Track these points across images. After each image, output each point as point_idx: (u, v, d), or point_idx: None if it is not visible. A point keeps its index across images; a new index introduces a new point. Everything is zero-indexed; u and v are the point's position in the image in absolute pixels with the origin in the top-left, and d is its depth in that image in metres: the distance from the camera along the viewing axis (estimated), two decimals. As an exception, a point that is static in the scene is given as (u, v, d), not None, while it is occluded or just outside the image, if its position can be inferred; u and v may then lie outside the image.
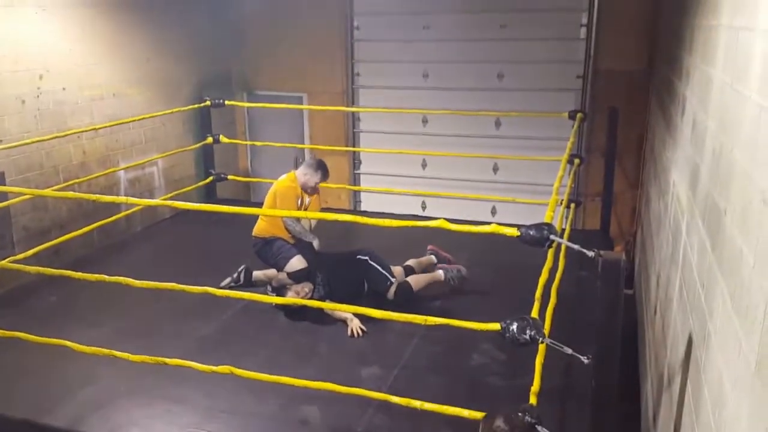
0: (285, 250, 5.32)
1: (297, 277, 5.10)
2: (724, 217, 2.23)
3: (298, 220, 5.35)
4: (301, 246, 5.36)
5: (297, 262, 5.24)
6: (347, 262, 5.24)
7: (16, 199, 5.37)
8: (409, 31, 7.90)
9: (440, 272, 5.29)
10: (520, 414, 2.53)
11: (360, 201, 8.72)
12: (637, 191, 7.30)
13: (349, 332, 4.68)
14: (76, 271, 3.97)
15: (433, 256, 5.67)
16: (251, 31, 8.35)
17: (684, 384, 2.76)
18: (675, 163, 4.06)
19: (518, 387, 3.52)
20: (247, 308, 5.01)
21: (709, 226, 2.56)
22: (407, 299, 5.03)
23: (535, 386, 3.18)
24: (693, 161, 3.21)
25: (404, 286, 5.12)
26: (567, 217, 6.29)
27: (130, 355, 3.78)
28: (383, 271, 5.15)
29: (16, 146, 5.43)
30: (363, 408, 3.75)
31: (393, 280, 5.13)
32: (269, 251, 5.37)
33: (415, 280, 5.22)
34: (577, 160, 6.22)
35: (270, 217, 5.34)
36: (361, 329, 4.68)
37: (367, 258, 5.21)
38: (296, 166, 5.54)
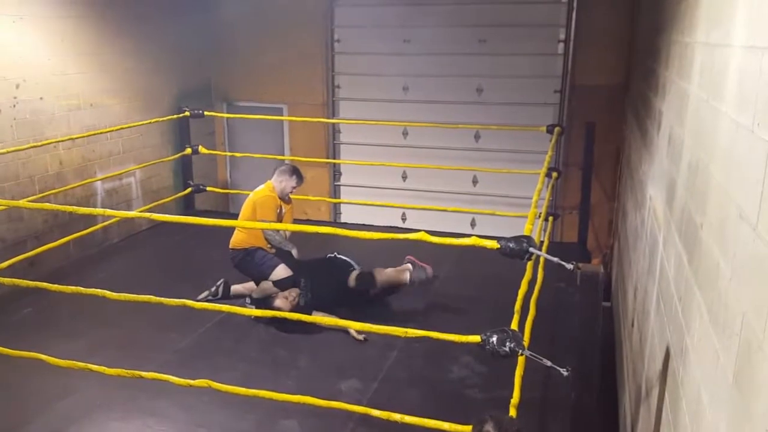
0: (268, 260, 5.29)
1: (283, 285, 5.08)
2: (701, 231, 2.26)
3: (277, 230, 5.33)
4: (281, 255, 5.34)
5: (282, 271, 5.21)
6: (323, 265, 5.29)
7: (-9, 210, 5.29)
8: (390, 44, 7.95)
9: (407, 273, 5.20)
10: (507, 418, 2.53)
11: (340, 213, 8.71)
12: (614, 204, 7.38)
13: (356, 336, 4.71)
14: (52, 282, 3.91)
15: (409, 265, 5.68)
16: (232, 42, 8.34)
17: (662, 396, 2.78)
18: (651, 177, 4.12)
19: (498, 399, 3.53)
20: (225, 321, 4.97)
21: (685, 239, 2.59)
22: (368, 287, 5.08)
23: (515, 398, 3.19)
24: (669, 175, 3.26)
25: (365, 274, 5.15)
26: (545, 230, 6.34)
27: (105, 368, 3.72)
28: (348, 260, 5.25)
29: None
30: (343, 422, 3.73)
31: (357, 267, 5.19)
32: (251, 262, 5.33)
33: (379, 272, 5.21)
34: (555, 174, 6.28)
35: (249, 228, 5.31)
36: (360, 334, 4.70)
37: (335, 254, 5.33)
38: None
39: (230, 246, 5.40)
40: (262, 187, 5.47)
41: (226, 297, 5.34)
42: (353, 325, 3.52)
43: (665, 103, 3.78)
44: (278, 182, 5.37)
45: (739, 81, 1.94)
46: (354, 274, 5.13)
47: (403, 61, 7.94)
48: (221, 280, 5.39)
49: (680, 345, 2.45)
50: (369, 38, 8.06)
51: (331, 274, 5.20)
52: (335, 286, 5.12)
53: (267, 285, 5.17)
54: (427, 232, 3.16)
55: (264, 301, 4.94)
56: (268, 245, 5.35)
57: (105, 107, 6.89)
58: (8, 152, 5.54)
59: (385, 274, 5.20)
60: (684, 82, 3.09)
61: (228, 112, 8.43)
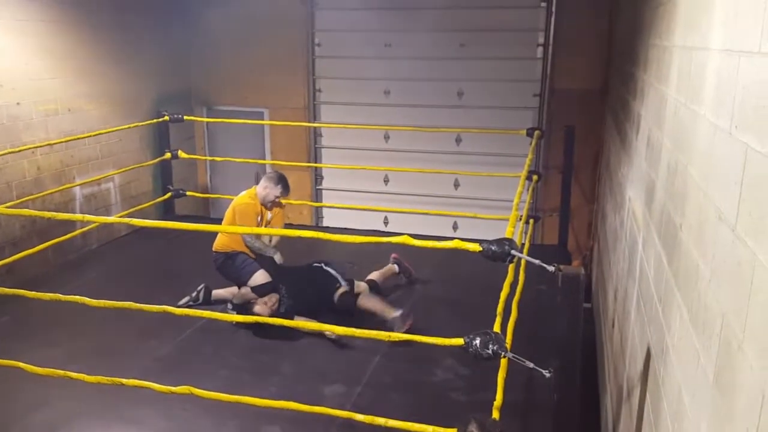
0: (248, 265, 5.26)
1: (261, 291, 5.05)
2: (680, 233, 2.29)
3: (258, 236, 5.30)
4: (262, 261, 5.31)
5: (261, 277, 5.18)
6: (307, 273, 5.26)
7: (-34, 216, 5.21)
8: (371, 48, 7.96)
9: (393, 312, 4.96)
10: (490, 420, 2.54)
11: (322, 217, 8.70)
12: (594, 206, 7.45)
13: (329, 336, 4.66)
14: (30, 290, 3.86)
15: (396, 266, 5.69)
16: (212, 46, 8.30)
17: (643, 396, 2.81)
18: (630, 180, 4.16)
19: (482, 402, 3.53)
20: (206, 327, 4.93)
21: (665, 241, 2.62)
22: (347, 311, 5.02)
23: (498, 401, 3.19)
24: (648, 178, 3.29)
25: (348, 299, 5.09)
26: (526, 233, 6.38)
27: (85, 375, 3.67)
28: (335, 274, 5.21)
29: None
30: (326, 426, 3.71)
31: (343, 284, 5.16)
32: (231, 266, 5.31)
33: (364, 300, 5.11)
34: (535, 177, 6.33)
35: (230, 233, 5.28)
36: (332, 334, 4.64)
37: (321, 264, 5.28)
38: (257, 182, 5.48)
39: (213, 249, 5.37)
40: (243, 193, 5.44)
41: (207, 302, 5.29)
42: (336, 330, 3.51)
43: (644, 107, 3.82)
44: (262, 188, 5.34)
45: (716, 84, 1.96)
46: (339, 292, 5.12)
47: (385, 65, 7.94)
48: (202, 286, 5.35)
49: (661, 345, 2.48)
50: (350, 42, 8.06)
51: (315, 285, 5.17)
52: (317, 298, 5.10)
53: (247, 290, 5.14)
54: (410, 235, 3.17)
55: (244, 307, 4.91)
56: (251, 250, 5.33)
57: (83, 112, 6.81)
58: (-16, 158, 5.46)
59: (370, 303, 5.09)
60: (662, 85, 3.13)
61: (208, 117, 8.38)
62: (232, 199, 5.50)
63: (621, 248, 4.39)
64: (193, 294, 5.31)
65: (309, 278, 5.21)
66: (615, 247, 4.83)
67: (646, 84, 3.82)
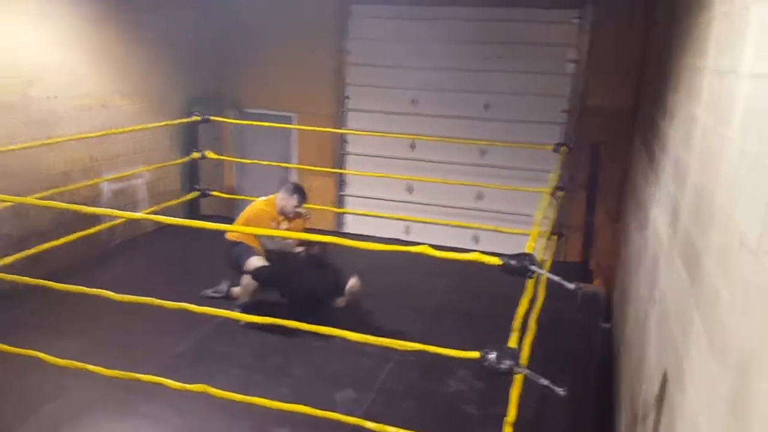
0: (246, 251, 5.28)
1: (258, 274, 5.11)
2: (703, 256, 2.26)
3: (271, 238, 5.32)
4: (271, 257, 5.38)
5: (257, 261, 5.21)
6: (311, 268, 5.32)
7: (-3, 206, 5.31)
8: (400, 58, 7.98)
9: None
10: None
11: (344, 223, 8.72)
12: (618, 225, 7.37)
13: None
14: (55, 281, 3.92)
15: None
16: (245, 49, 8.39)
17: (658, 420, 2.77)
18: (656, 200, 4.11)
19: (494, 416, 3.51)
20: (223, 326, 4.98)
21: (687, 264, 2.58)
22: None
23: (511, 416, 3.17)
24: (674, 199, 3.25)
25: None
26: (548, 249, 6.33)
27: (102, 368, 3.72)
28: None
29: (1, 152, 5.39)
30: (336, 432, 3.72)
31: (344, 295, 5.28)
32: (233, 253, 5.35)
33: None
34: (560, 193, 6.28)
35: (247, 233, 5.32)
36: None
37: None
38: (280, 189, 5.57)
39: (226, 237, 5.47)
40: (263, 199, 5.49)
41: (229, 298, 5.39)
42: (349, 336, 3.51)
43: (673, 127, 3.78)
44: (280, 200, 5.42)
45: (745, 108, 1.94)
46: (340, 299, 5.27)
47: (413, 75, 7.97)
48: (228, 280, 5.44)
49: (678, 369, 2.44)
50: (380, 51, 8.09)
51: (316, 277, 5.24)
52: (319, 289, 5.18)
53: (248, 280, 5.16)
54: (430, 245, 3.16)
55: (250, 306, 4.98)
56: (260, 245, 5.33)
57: (116, 108, 6.93)
58: (18, 149, 5.57)
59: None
60: (692, 106, 3.10)
61: (238, 119, 8.46)
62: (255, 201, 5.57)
63: (643, 269, 4.34)
64: (221, 286, 5.46)
65: (312, 270, 5.25)
66: (637, 268, 4.77)
67: (676, 104, 3.79)
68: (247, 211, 5.38)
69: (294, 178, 8.23)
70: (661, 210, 3.75)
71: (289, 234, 5.08)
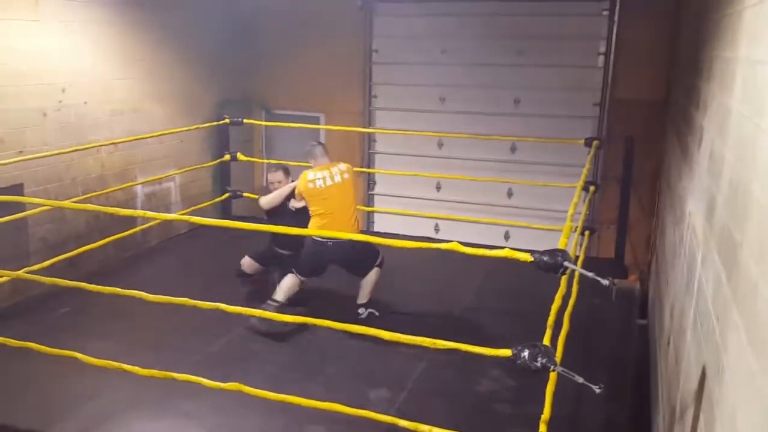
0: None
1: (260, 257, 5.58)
2: (740, 250, 2.21)
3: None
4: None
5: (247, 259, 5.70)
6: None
7: (34, 210, 5.43)
8: (427, 55, 7.96)
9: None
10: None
11: (373, 221, 8.73)
12: (652, 220, 7.25)
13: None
14: (91, 283, 4.00)
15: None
16: (272, 51, 8.44)
17: (696, 417, 2.72)
18: (691, 194, 4.04)
19: (529, 415, 3.49)
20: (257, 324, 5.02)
21: (724, 258, 2.53)
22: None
23: (546, 414, 3.14)
24: (709, 192, 3.19)
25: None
26: (581, 245, 6.25)
27: (139, 368, 3.78)
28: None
29: (36, 158, 5.51)
30: (370, 430, 3.72)
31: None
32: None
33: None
34: (592, 188, 6.21)
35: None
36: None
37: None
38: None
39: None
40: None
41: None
42: (382, 335, 3.51)
43: (706, 119, 3.71)
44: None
45: (782, 97, 1.89)
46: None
47: (440, 72, 7.94)
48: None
49: (716, 365, 2.40)
50: (407, 48, 8.08)
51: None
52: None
53: (286, 283, 5.19)
54: (460, 243, 3.15)
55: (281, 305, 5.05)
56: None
57: (147, 113, 7.03)
58: (52, 155, 5.69)
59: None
60: (726, 97, 3.04)
61: (266, 120, 8.53)
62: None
63: (679, 264, 4.26)
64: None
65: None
66: (673, 263, 4.69)
67: (709, 96, 3.71)
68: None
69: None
70: (697, 203, 3.69)
71: (297, 231, 5.10)
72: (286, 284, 5.14)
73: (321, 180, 5.14)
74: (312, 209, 5.17)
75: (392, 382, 4.36)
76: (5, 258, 5.42)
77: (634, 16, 7.05)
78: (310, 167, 5.30)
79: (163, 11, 7.05)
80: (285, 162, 7.88)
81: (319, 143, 5.52)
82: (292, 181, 5.56)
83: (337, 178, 5.19)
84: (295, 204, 5.42)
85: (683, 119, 5.17)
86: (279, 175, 5.62)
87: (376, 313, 5.25)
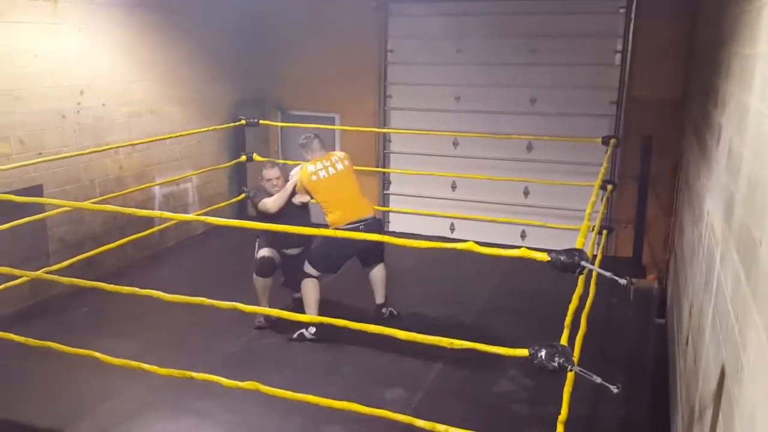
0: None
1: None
2: (760, 248, 2.19)
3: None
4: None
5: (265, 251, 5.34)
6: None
7: (53, 211, 5.49)
8: (442, 54, 7.95)
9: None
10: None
11: (389, 221, 8.73)
12: (671, 219, 7.19)
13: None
14: (109, 283, 4.03)
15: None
16: (287, 52, 8.47)
17: (716, 417, 2.70)
18: (709, 192, 4.00)
19: (546, 415, 3.47)
20: (273, 324, 5.04)
21: (743, 256, 2.51)
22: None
23: (563, 414, 3.12)
24: (728, 190, 3.16)
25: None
26: (599, 244, 6.21)
27: (157, 367, 3.80)
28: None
29: (55, 159, 5.58)
30: (386, 430, 3.73)
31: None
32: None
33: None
34: (609, 186, 6.16)
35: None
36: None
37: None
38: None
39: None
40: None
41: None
42: (398, 334, 3.50)
43: (725, 116, 3.67)
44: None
45: (802, 93, 1.87)
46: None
47: (455, 71, 7.92)
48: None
49: (736, 364, 2.37)
50: (422, 48, 8.07)
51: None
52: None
53: (309, 293, 5.13)
54: (476, 242, 3.14)
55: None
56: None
57: (165, 114, 7.09)
58: (71, 156, 5.75)
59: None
60: (744, 95, 3.00)
61: (282, 121, 8.56)
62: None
63: (698, 263, 4.22)
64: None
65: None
66: (692, 262, 4.65)
67: (727, 93, 3.67)
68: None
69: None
70: (716, 201, 3.65)
71: (324, 232, 5.08)
72: (310, 293, 5.05)
73: (324, 170, 5.14)
74: (323, 203, 5.14)
75: (409, 382, 4.36)
76: (25, 258, 5.49)
77: (651, 14, 6.99)
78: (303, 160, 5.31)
79: (179, 13, 7.10)
80: (302, 162, 7.94)
81: (315, 135, 5.43)
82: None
83: (339, 166, 5.21)
84: (300, 199, 5.25)
85: (701, 117, 5.12)
86: (276, 171, 5.36)
87: (395, 312, 5.26)
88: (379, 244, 5.13)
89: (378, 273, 5.31)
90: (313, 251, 5.14)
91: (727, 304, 2.77)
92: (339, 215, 5.03)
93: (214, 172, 7.77)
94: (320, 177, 5.11)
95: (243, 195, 7.81)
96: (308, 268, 5.10)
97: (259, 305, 5.17)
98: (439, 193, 8.17)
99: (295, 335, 5.00)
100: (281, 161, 8.66)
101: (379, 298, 5.35)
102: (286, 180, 5.32)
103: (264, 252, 5.29)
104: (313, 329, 4.99)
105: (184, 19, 7.17)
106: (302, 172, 5.18)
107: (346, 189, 5.16)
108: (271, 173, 5.30)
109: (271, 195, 5.24)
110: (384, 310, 5.30)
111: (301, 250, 5.31)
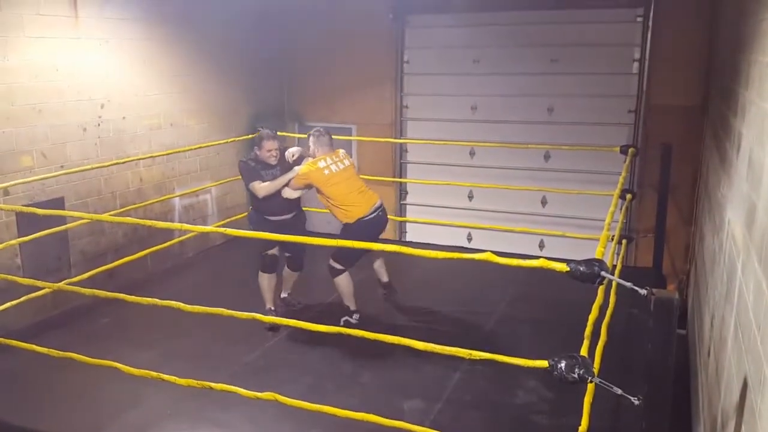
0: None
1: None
2: (782, 258, 2.16)
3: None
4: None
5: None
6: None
7: (75, 223, 5.56)
8: (459, 65, 7.96)
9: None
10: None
11: (406, 231, 8.73)
12: (691, 228, 7.12)
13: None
14: (129, 294, 4.08)
15: None
16: (304, 63, 8.53)
17: (738, 429, 2.66)
18: (730, 201, 3.96)
19: (566, 427, 3.45)
20: (292, 334, 5.05)
21: (765, 265, 2.48)
22: None
23: (583, 426, 3.10)
24: (749, 199, 3.13)
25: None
26: (618, 254, 6.17)
27: (177, 378, 3.83)
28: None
29: (76, 172, 5.66)
30: (405, 441, 3.71)
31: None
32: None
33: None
34: (629, 196, 6.12)
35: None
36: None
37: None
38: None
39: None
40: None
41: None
42: (417, 345, 3.50)
43: (745, 124, 3.64)
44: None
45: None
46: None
47: (472, 82, 7.93)
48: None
49: (758, 376, 2.34)
50: (438, 59, 8.09)
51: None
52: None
53: (344, 287, 5.30)
54: (494, 252, 3.13)
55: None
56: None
57: (184, 127, 7.16)
58: (92, 168, 5.83)
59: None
60: (764, 102, 2.98)
61: (300, 132, 8.61)
62: (319, 213, 5.68)
63: (719, 272, 4.18)
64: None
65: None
66: (713, 271, 4.60)
67: (747, 101, 3.64)
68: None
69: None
70: (736, 210, 3.61)
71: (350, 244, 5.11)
72: (345, 286, 5.31)
73: (334, 165, 5.30)
74: (334, 198, 5.23)
75: (427, 393, 4.34)
76: (47, 270, 5.57)
77: (669, 22, 6.96)
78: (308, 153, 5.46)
79: (198, 27, 7.18)
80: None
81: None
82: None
83: (347, 162, 5.41)
84: (290, 194, 5.30)
85: (720, 125, 5.07)
86: (276, 144, 5.40)
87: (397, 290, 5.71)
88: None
89: (379, 255, 5.63)
90: (338, 249, 5.15)
91: (749, 314, 2.74)
92: (359, 208, 5.23)
93: (232, 183, 7.82)
94: (332, 171, 5.25)
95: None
96: (336, 264, 5.26)
97: (264, 304, 5.49)
98: (456, 203, 8.16)
99: (342, 321, 5.17)
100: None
101: (384, 277, 5.71)
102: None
103: (268, 251, 5.47)
104: (357, 315, 5.26)
105: (203, 33, 7.25)
106: (310, 167, 5.25)
107: (356, 182, 5.38)
108: (273, 144, 5.38)
109: (267, 165, 5.34)
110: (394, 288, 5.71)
111: (295, 214, 5.46)
